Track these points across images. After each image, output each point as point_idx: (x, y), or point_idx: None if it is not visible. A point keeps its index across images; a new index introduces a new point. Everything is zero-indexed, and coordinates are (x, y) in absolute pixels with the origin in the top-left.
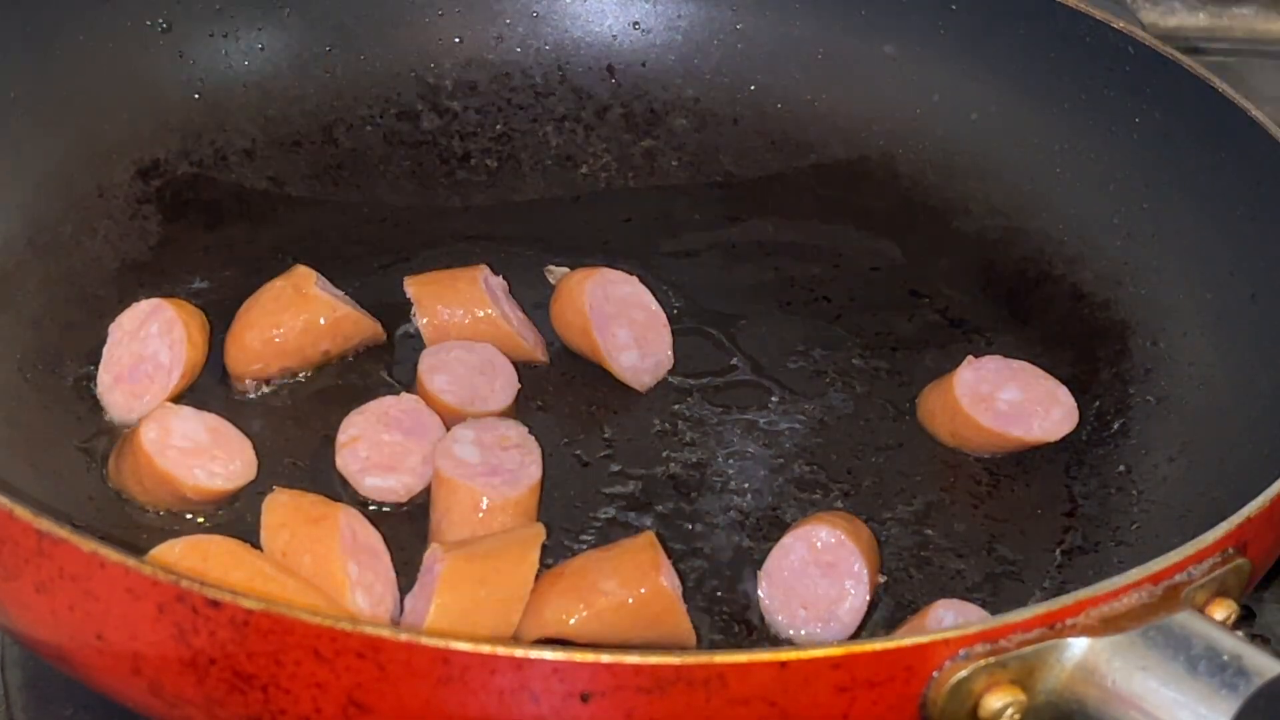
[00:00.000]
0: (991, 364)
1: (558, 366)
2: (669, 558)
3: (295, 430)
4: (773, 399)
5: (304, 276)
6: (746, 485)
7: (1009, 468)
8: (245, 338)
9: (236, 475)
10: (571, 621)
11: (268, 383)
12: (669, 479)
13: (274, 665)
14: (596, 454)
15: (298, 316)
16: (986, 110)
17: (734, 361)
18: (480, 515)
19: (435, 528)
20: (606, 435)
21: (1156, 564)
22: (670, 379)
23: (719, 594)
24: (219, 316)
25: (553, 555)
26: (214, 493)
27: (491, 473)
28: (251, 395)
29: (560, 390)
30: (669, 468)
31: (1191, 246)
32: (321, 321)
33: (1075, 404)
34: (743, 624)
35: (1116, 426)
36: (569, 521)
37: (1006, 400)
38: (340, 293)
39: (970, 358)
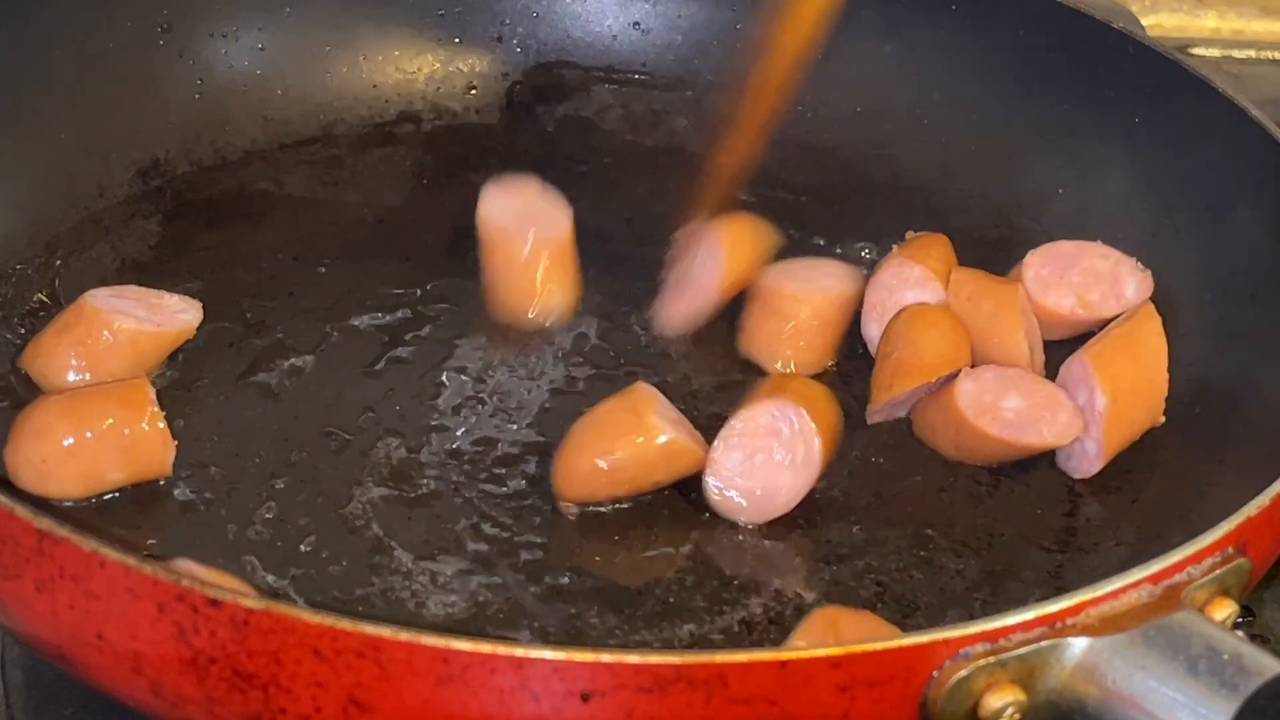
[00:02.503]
0: (989, 373)
1: (553, 365)
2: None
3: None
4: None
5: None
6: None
7: (1009, 468)
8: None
9: (146, 321)
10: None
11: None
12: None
13: (274, 664)
14: None
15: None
16: (986, 110)
17: (734, 361)
18: (526, 256)
19: (492, 282)
20: None
21: (1156, 564)
22: (670, 379)
23: (719, 594)
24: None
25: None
26: (124, 330)
27: (532, 221)
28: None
29: (558, 389)
30: None
31: (1191, 246)
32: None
33: (1077, 406)
34: (743, 624)
35: None
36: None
37: (1010, 408)
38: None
39: (966, 368)
